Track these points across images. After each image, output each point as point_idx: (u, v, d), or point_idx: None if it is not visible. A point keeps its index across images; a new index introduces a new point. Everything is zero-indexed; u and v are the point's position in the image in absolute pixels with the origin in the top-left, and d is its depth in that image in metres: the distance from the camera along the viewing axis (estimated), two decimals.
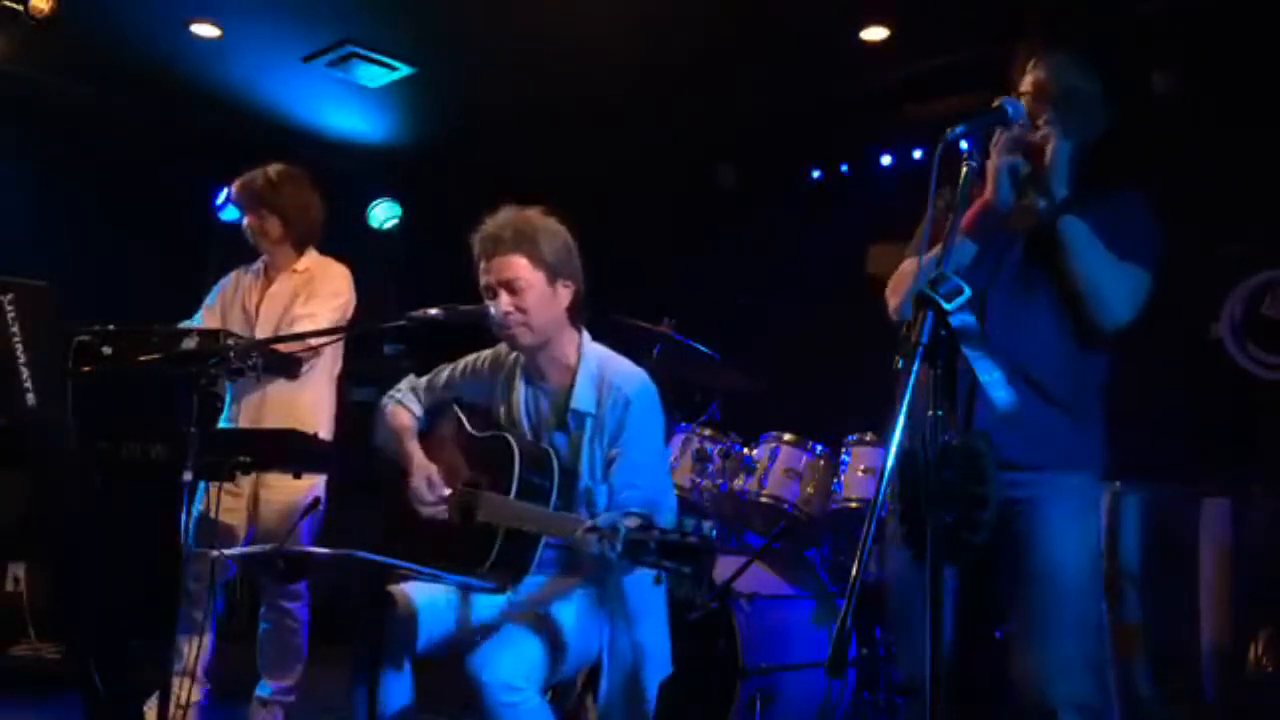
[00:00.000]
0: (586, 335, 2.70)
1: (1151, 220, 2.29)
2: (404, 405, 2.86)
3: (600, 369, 2.63)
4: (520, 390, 2.71)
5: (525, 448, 2.58)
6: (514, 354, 2.75)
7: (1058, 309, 2.25)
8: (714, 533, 2.07)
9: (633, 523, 2.07)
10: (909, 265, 2.37)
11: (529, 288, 2.56)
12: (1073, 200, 2.25)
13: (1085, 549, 2.23)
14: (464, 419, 2.77)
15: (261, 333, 3.48)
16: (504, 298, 2.56)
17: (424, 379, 2.90)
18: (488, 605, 2.59)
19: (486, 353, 2.84)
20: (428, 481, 2.66)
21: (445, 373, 2.88)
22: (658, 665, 2.55)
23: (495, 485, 2.52)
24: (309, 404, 3.52)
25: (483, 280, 2.61)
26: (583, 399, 2.59)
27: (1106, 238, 2.21)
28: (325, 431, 3.48)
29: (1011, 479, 2.10)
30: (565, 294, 2.62)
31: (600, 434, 2.57)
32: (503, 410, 2.74)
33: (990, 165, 2.17)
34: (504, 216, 2.61)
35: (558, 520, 2.37)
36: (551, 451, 2.60)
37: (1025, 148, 2.20)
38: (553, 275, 2.59)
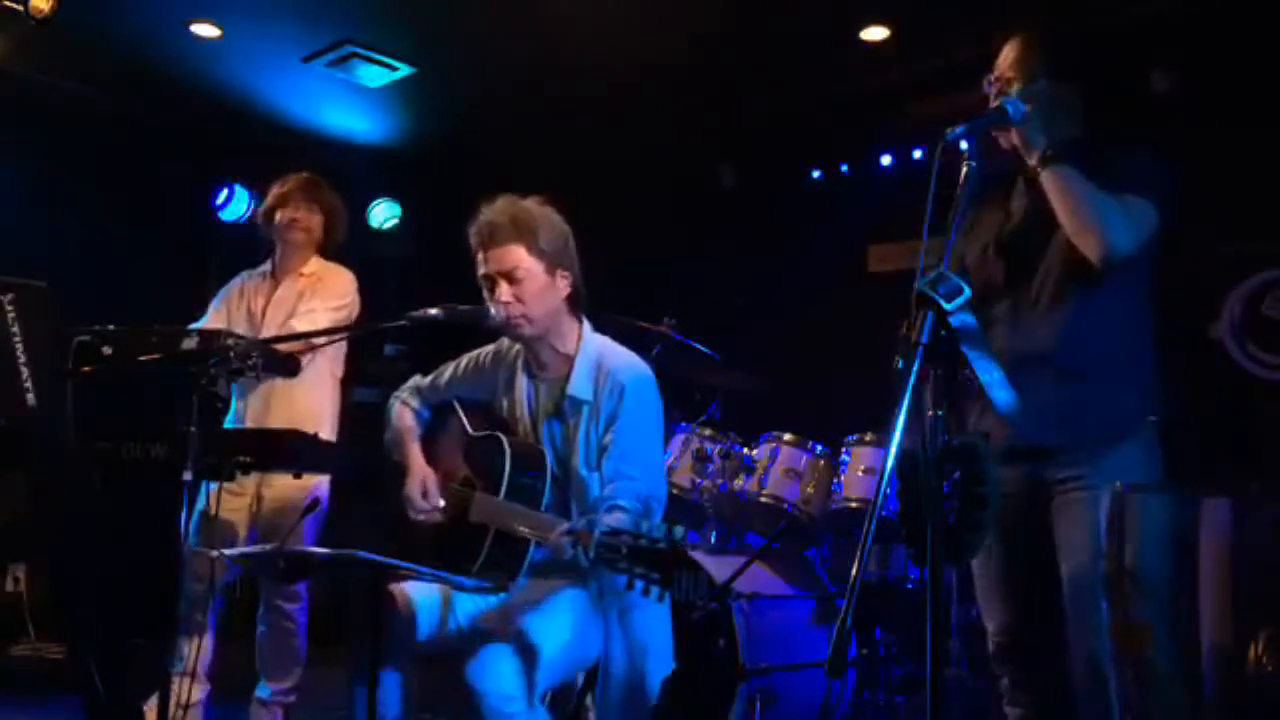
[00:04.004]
0: (588, 326, 2.69)
1: (1157, 158, 2.29)
2: (407, 405, 2.87)
3: (599, 357, 2.62)
4: (522, 383, 2.70)
5: (517, 446, 2.56)
6: (515, 348, 2.74)
7: (1056, 276, 2.26)
8: (685, 537, 2.04)
9: (609, 526, 2.07)
10: None
11: (528, 278, 2.54)
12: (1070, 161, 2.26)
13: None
14: (463, 418, 2.77)
15: (266, 336, 3.47)
16: (504, 288, 2.54)
17: (428, 378, 2.89)
18: (485, 606, 2.59)
19: (488, 348, 2.83)
20: (422, 487, 2.67)
21: (448, 371, 2.87)
22: (659, 663, 2.54)
23: (487, 485, 2.52)
24: (312, 405, 3.52)
25: (481, 270, 2.59)
26: (579, 386, 2.58)
27: (1106, 182, 2.21)
28: (327, 432, 3.48)
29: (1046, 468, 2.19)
30: (564, 284, 2.61)
31: (596, 421, 2.56)
32: (505, 404, 2.73)
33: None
34: (501, 205, 2.59)
35: (539, 521, 2.35)
36: (545, 450, 2.59)
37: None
38: (551, 265, 2.58)
